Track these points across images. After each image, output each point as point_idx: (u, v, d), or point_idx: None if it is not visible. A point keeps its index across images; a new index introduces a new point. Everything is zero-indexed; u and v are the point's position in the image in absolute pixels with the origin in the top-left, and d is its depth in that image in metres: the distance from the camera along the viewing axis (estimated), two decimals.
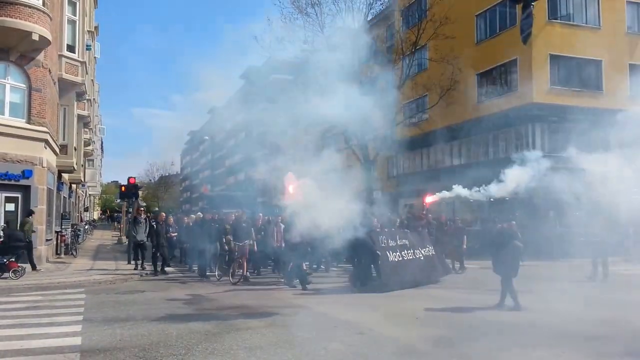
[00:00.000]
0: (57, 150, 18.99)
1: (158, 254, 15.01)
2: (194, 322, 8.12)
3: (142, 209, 17.48)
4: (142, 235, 15.67)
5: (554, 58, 23.00)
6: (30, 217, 14.86)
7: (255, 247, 14.03)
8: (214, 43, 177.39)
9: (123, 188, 20.96)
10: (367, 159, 25.34)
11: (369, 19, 25.86)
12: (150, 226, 15.63)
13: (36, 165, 15.71)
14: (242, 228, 13.91)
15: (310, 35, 25.34)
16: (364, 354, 6.34)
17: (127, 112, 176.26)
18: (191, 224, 16.69)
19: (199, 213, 16.56)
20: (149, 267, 15.33)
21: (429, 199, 15.83)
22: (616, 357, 6.31)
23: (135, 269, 15.45)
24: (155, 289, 11.98)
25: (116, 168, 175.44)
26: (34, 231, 14.77)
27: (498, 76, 25.02)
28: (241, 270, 13.21)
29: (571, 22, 23.50)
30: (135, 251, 16.06)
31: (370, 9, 24.87)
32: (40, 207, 15.80)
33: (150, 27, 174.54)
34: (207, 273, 14.43)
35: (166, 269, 15.19)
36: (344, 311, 9.10)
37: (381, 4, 26.79)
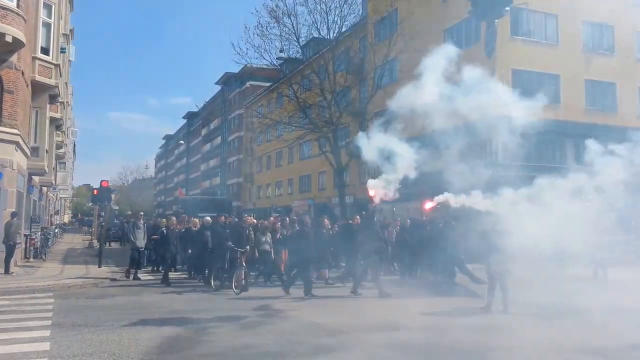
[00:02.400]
0: (28, 152, 18.89)
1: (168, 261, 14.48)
2: (166, 326, 8.13)
3: (142, 213, 16.65)
4: (141, 242, 14.82)
5: (515, 72, 24.04)
6: (14, 219, 14.91)
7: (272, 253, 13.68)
8: (193, 47, 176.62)
9: (95, 191, 20.85)
10: (340, 164, 25.96)
11: (342, 30, 26.59)
12: (161, 232, 14.65)
13: (6, 167, 15.57)
14: (243, 233, 13.10)
15: (287, 44, 25.92)
16: (337, 357, 6.57)
17: (102, 115, 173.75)
18: (195, 228, 15.10)
19: (207, 217, 15.22)
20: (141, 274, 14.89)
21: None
22: None
23: (128, 277, 14.60)
24: (126, 294, 11.97)
25: (89, 171, 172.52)
26: (19, 233, 14.77)
27: None
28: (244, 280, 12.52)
29: (532, 39, 24.64)
30: (132, 258, 14.81)
31: (345, 21, 25.61)
32: (9, 210, 15.70)
33: (124, 29, 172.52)
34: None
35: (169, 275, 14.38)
36: (314, 314, 9.31)
37: (355, 17, 27.59)
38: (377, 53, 25.06)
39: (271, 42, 31.84)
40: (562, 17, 25.05)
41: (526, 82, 24.50)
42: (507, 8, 8.90)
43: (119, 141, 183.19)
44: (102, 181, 19.87)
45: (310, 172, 41.62)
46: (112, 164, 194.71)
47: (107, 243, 28.53)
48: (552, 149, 24.92)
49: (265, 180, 54.61)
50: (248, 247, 13.15)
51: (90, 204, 41.95)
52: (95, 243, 26.82)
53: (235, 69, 61.06)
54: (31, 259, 19.50)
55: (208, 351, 6.73)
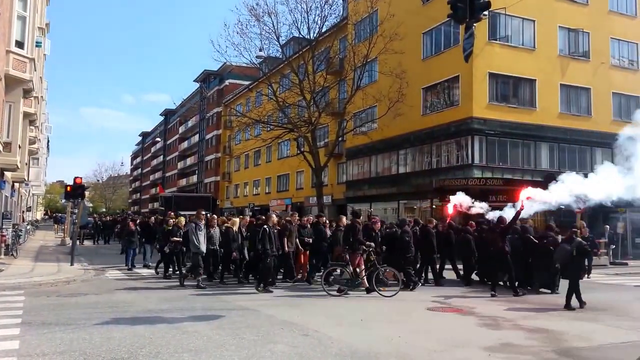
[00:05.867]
0: (1, 147, 18.46)
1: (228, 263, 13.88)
2: (138, 325, 8.04)
3: (203, 213, 13.84)
4: (204, 246, 12.89)
5: (492, 76, 24.45)
6: None
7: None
8: (171, 44, 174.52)
9: (69, 188, 20.47)
10: (318, 164, 26.02)
11: (323, 30, 26.66)
12: (224, 233, 13.71)
13: None
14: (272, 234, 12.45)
15: (266, 43, 25.86)
16: (308, 355, 6.53)
17: (76, 110, 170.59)
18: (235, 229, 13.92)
19: (246, 216, 14.44)
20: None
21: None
22: None
23: (182, 285, 12.84)
24: (98, 292, 11.80)
25: (62, 167, 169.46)
26: None
27: (442, 91, 26.30)
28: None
29: (509, 43, 25.04)
30: (194, 265, 12.99)
31: (325, 21, 25.67)
32: None
33: (103, 23, 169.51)
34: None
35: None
36: (290, 313, 9.32)
37: (335, 17, 27.69)
38: (357, 54, 25.19)
39: (251, 41, 31.89)
40: (539, 22, 25.49)
41: (503, 86, 25.01)
42: (485, 12, 9.00)
43: (94, 137, 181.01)
44: (75, 178, 19.53)
45: (289, 172, 41.61)
46: (87, 160, 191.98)
47: (81, 241, 28.14)
48: (527, 152, 25.39)
49: (242, 179, 54.38)
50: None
51: (63, 201, 41.16)
52: (68, 241, 26.38)
53: (214, 66, 60.84)
54: (2, 256, 19.08)
55: (181, 350, 6.67)
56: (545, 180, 15.55)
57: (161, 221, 17.91)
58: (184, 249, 14.19)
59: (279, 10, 25.03)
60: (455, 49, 24.02)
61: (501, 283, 13.25)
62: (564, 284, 11.37)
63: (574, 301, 10.49)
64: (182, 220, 14.93)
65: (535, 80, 25.31)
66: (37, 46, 21.89)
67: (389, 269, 12.36)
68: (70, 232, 25.80)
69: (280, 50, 27.39)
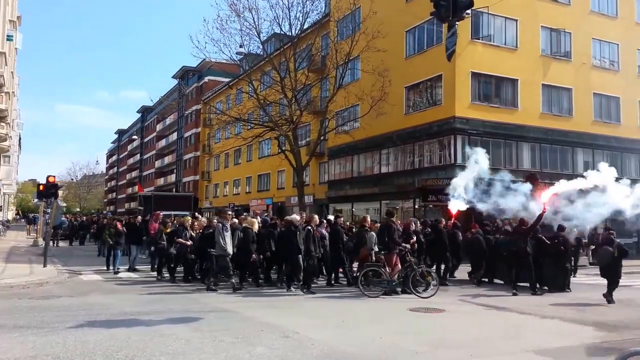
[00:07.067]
0: None
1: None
2: (114, 328, 7.87)
3: (230, 212, 13.47)
4: (231, 247, 12.33)
5: (475, 75, 24.50)
6: None
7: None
8: (148, 38, 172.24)
9: (41, 187, 19.88)
10: (300, 164, 25.72)
11: (305, 27, 26.37)
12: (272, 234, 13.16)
13: None
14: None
15: (247, 39, 25.45)
16: (288, 357, 6.45)
17: (50, 107, 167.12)
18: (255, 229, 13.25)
19: (265, 217, 13.94)
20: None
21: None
22: None
23: (213, 289, 12.16)
24: (73, 294, 11.47)
25: (35, 166, 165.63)
26: None
27: (424, 90, 26.28)
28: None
29: (491, 43, 25.13)
30: (222, 267, 12.34)
31: (307, 17, 25.38)
32: None
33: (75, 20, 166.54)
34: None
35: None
36: (270, 315, 9.19)
37: (317, 14, 27.41)
38: (339, 51, 24.97)
39: (231, 37, 31.49)
40: (521, 21, 25.63)
41: (485, 85, 25.06)
42: (468, 11, 8.94)
43: (68, 135, 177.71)
44: (48, 176, 18.97)
45: (269, 171, 41.25)
46: (60, 158, 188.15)
47: (55, 242, 27.40)
48: (509, 152, 25.50)
49: (222, 178, 53.81)
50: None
51: (36, 200, 40.08)
52: (41, 241, 25.68)
53: (193, 63, 60.05)
54: None
55: (158, 353, 6.50)
56: (526, 180, 15.56)
57: (147, 221, 17.53)
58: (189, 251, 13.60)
59: (259, 5, 24.87)
60: (438, 48, 23.98)
61: (502, 282, 13.91)
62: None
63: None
64: (188, 219, 14.50)
65: (517, 80, 25.45)
66: (8, 40, 21.25)
67: (426, 270, 12.40)
68: (43, 232, 25.05)
69: (261, 47, 27.04)
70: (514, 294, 12.33)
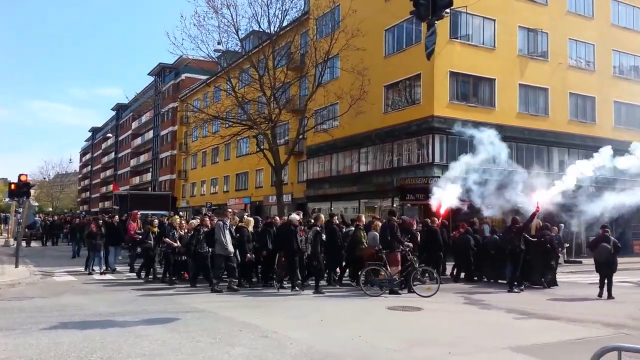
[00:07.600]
0: None
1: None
2: (89, 329, 7.70)
3: (230, 210, 13.59)
4: (231, 246, 12.27)
5: (453, 75, 24.67)
6: None
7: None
8: (124, 34, 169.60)
9: (13, 186, 19.39)
10: (278, 163, 25.58)
11: (284, 24, 26.21)
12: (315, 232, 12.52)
13: None
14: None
15: (225, 36, 25.18)
16: (266, 357, 6.39)
17: (21, 104, 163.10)
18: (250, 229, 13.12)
19: (275, 217, 13.86)
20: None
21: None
22: None
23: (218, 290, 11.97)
24: (46, 295, 11.21)
25: (6, 164, 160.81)
26: None
27: (403, 89, 26.39)
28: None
29: (470, 42, 25.34)
30: (229, 268, 12.25)
31: (286, 15, 25.24)
32: None
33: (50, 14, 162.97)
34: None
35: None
36: (249, 315, 9.10)
37: (296, 12, 27.29)
38: (319, 49, 24.90)
39: (209, 33, 31.05)
40: (499, 21, 25.87)
41: (463, 85, 25.27)
42: (447, 10, 8.99)
43: (40, 132, 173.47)
44: (20, 175, 18.52)
45: (248, 170, 40.97)
46: (33, 157, 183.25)
47: (27, 242, 26.68)
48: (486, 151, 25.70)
49: (199, 177, 53.28)
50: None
51: (7, 200, 39.00)
52: (12, 242, 25.03)
53: (170, 59, 59.25)
54: None
55: (134, 354, 6.38)
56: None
57: (124, 221, 17.22)
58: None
59: (238, 2, 24.50)
60: (417, 47, 24.06)
61: (487, 280, 14.64)
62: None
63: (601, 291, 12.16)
64: (177, 219, 14.21)
65: (494, 79, 25.69)
66: None
67: (427, 268, 12.52)
68: (15, 232, 24.43)
69: (239, 44, 26.78)
70: (520, 291, 12.83)
